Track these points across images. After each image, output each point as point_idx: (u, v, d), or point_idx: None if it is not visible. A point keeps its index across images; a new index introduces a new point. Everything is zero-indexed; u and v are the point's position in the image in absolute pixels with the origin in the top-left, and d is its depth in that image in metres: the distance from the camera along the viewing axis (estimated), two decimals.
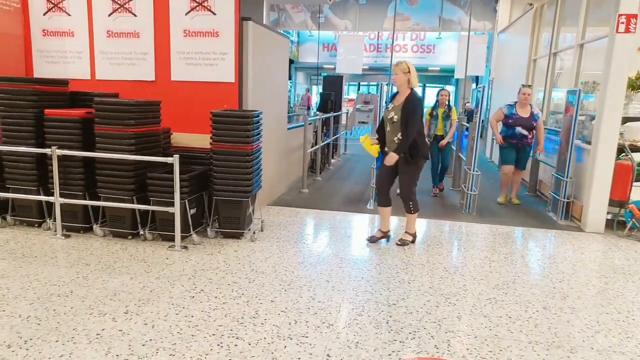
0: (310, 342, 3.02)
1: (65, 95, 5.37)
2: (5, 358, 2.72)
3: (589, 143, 5.91)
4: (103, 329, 3.09)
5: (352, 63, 13.69)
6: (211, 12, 5.53)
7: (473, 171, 6.38)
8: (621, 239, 5.57)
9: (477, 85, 19.29)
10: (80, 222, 5.04)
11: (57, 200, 4.85)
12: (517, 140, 6.85)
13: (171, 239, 4.71)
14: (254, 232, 5.12)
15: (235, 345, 2.95)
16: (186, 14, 5.59)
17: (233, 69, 5.54)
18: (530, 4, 10.25)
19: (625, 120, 5.80)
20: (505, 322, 3.38)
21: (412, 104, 4.65)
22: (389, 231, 5.11)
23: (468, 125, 7.27)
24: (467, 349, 3.00)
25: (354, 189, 7.96)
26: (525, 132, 6.79)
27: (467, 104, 18.15)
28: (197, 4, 5.54)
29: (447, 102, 7.21)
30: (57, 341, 2.93)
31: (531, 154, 7.25)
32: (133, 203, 4.80)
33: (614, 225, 5.82)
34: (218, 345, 2.95)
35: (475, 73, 13.83)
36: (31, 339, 2.93)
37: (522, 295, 3.88)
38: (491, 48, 14.85)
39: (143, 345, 2.92)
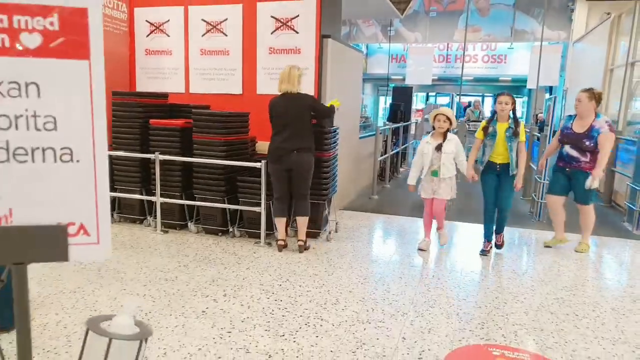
0: (387, 326, 3.37)
1: (165, 107, 6.07)
2: None
3: None
4: (207, 307, 3.60)
5: (421, 74, 13.91)
6: (294, 30, 6.06)
7: (544, 180, 6.46)
8: None
9: (551, 94, 18.80)
10: (176, 219, 5.69)
11: (158, 199, 5.51)
12: (564, 163, 5.15)
13: (257, 236, 5.22)
14: (329, 232, 5.53)
15: (321, 325, 3.36)
16: (271, 33, 6.15)
17: (313, 83, 6.02)
18: (608, 13, 10.07)
19: None
20: (571, 319, 3.56)
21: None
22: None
23: (539, 135, 7.32)
24: (534, 339, 3.23)
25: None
26: (574, 153, 5.02)
27: (539, 115, 17.73)
28: (281, 24, 6.09)
29: (510, 114, 4.76)
30: (170, 315, 3.46)
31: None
32: (224, 203, 5.37)
33: None
34: (306, 324, 3.37)
35: (549, 83, 13.60)
36: (150, 312, 3.49)
37: (590, 297, 4.02)
38: (566, 58, 14.54)
39: (242, 321, 3.39)
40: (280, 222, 5.02)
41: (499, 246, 5.18)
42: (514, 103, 4.79)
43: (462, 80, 12.76)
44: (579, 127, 5.00)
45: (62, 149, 0.79)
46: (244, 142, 5.61)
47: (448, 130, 4.94)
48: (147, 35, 6.78)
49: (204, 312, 3.53)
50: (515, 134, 4.74)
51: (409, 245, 5.39)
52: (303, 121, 4.84)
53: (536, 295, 4.03)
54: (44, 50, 0.75)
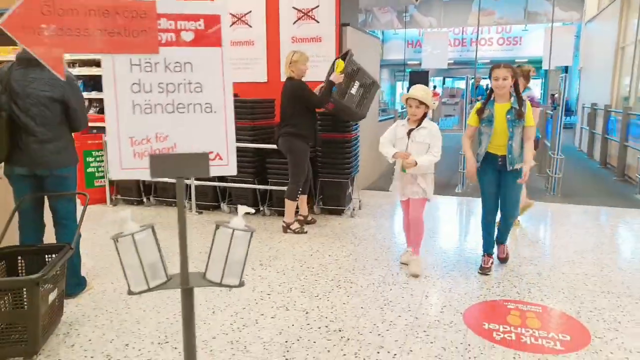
0: (411, 287, 3.73)
1: None
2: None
3: None
4: (246, 275, 3.98)
5: (437, 58, 14.09)
6: (315, 20, 6.38)
7: (557, 155, 6.73)
8: None
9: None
10: (209, 200, 6.10)
11: (192, 182, 5.93)
12: None
13: (283, 213, 5.60)
14: (353, 209, 5.89)
15: (351, 287, 3.74)
16: (293, 23, 6.48)
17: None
18: None
19: None
20: (581, 278, 3.89)
21: None
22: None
23: (551, 113, 7.55)
24: (545, 295, 3.57)
25: (441, 175, 8.50)
26: None
27: (555, 95, 17.81)
28: (303, 14, 6.41)
29: (512, 91, 3.77)
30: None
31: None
32: (254, 184, 5.76)
33: None
34: (337, 286, 3.75)
35: (563, 63, 13.69)
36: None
37: (599, 259, 4.33)
38: (580, 38, 14.60)
39: (279, 285, 3.78)
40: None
41: (503, 260, 4.16)
42: (515, 76, 3.69)
43: (478, 62, 12.94)
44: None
45: (205, 104, 1.16)
46: (271, 127, 5.97)
47: (424, 116, 3.88)
48: None
49: (245, 277, 3.92)
50: (519, 116, 3.65)
51: (429, 221, 5.72)
52: (288, 107, 5.08)
53: (549, 258, 4.36)
54: (195, 42, 1.10)
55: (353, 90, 5.29)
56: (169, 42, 1.05)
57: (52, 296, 2.82)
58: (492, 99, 3.83)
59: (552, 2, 16.04)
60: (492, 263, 4.04)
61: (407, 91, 3.99)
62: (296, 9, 6.41)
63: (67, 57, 6.81)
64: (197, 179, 5.89)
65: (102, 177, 6.43)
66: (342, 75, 4.96)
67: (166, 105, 1.07)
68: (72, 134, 3.50)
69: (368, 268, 4.14)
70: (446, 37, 15.00)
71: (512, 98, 3.76)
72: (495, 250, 4.14)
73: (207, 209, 6.10)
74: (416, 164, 3.72)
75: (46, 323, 2.77)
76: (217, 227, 1.14)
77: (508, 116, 3.71)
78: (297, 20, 6.47)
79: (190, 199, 6.03)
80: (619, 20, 9.84)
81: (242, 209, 1.18)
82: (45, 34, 0.88)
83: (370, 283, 3.82)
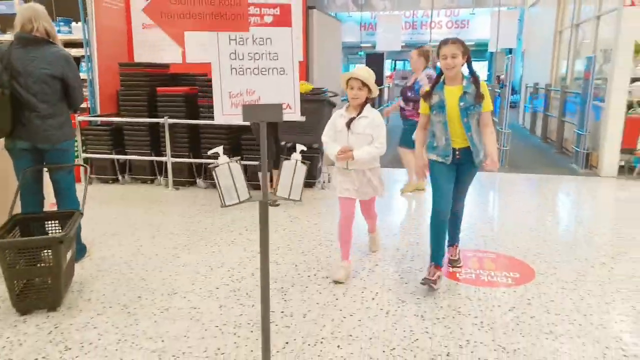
0: (384, 242, 4.22)
1: (167, 76, 6.68)
2: (175, 254, 4.03)
3: (603, 101, 6.86)
4: (235, 239, 4.38)
5: (390, 41, 14.62)
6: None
7: (505, 129, 7.41)
8: (630, 180, 6.58)
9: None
10: (186, 177, 6.38)
11: (169, 159, 6.19)
12: (401, 113, 5.82)
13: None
14: (323, 182, 6.34)
15: (331, 244, 4.20)
16: None
17: (301, 50, 6.70)
18: None
19: (634, 80, 6.71)
20: (527, 231, 4.52)
21: None
22: None
23: (499, 91, 8.24)
24: (498, 245, 4.16)
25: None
26: (402, 104, 5.71)
27: (501, 76, 18.87)
28: None
29: (464, 72, 3.24)
30: (206, 245, 4.23)
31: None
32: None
33: (625, 170, 6.79)
34: (319, 245, 4.20)
35: (508, 46, 14.56)
36: (187, 245, 4.25)
37: (542, 216, 5.00)
38: (523, 22, 15.51)
39: None
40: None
41: (454, 262, 3.69)
42: (467, 53, 3.12)
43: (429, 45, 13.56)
44: (410, 81, 5.66)
45: (280, 68, 1.54)
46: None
47: (367, 101, 3.35)
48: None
49: (233, 241, 4.31)
50: (478, 99, 3.10)
51: (390, 189, 6.26)
52: None
53: (500, 217, 4.99)
54: (273, 23, 1.49)
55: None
56: (256, 24, 1.42)
57: (68, 255, 3.12)
58: (441, 80, 3.21)
59: None
60: (439, 277, 3.29)
61: None
62: None
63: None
64: (173, 156, 6.15)
65: (77, 157, 6.56)
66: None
67: (253, 69, 1.45)
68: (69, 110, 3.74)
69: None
70: (399, 20, 15.55)
71: (465, 80, 3.14)
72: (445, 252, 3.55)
73: (183, 185, 6.38)
74: (353, 158, 3.24)
75: (65, 279, 3.07)
76: (284, 159, 1.53)
77: (461, 103, 3.10)
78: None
79: (166, 175, 6.29)
80: (557, 5, 10.66)
81: (300, 147, 1.55)
82: (173, 17, 1.23)
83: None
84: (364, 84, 3.25)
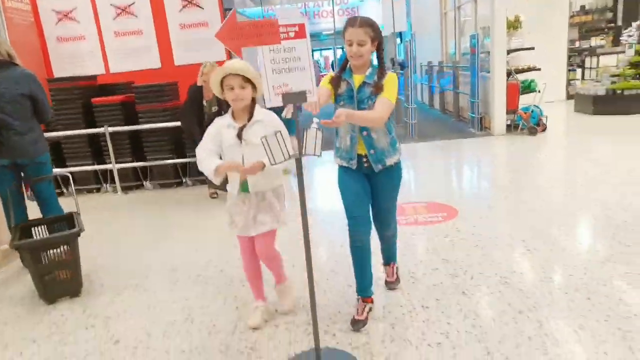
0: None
1: (96, 87, 6.91)
2: (162, 240, 4.50)
3: (489, 72, 8.15)
4: (215, 217, 4.92)
5: None
6: (199, 7, 7.16)
7: (412, 105, 8.48)
8: (516, 135, 7.97)
9: (401, 40, 21.49)
10: (132, 181, 6.70)
11: (114, 166, 6.49)
12: None
13: (205, 182, 6.48)
14: None
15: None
16: (179, 11, 7.19)
17: (224, 51, 7.22)
18: None
19: (510, 52, 8.05)
20: (444, 183, 5.52)
21: None
22: None
23: (402, 72, 9.31)
24: (424, 196, 5.10)
25: None
26: None
27: (394, 58, 20.34)
28: (187, 2, 7.15)
29: (372, 60, 2.69)
30: (183, 233, 4.73)
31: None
32: (174, 159, 6.52)
33: (512, 127, 8.16)
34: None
35: (399, 29, 15.89)
36: (165, 226, 4.72)
37: (454, 171, 6.05)
38: (410, 6, 16.95)
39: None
40: None
41: (390, 284, 3.16)
42: (377, 39, 2.54)
43: (321, 34, 14.43)
44: None
45: (301, 67, 2.16)
46: (177, 107, 6.72)
47: (254, 102, 2.61)
48: (57, 24, 7.36)
49: (206, 227, 4.85)
50: (376, 90, 2.53)
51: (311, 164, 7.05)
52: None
53: (420, 178, 5.97)
54: (295, 37, 2.05)
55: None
56: (284, 38, 2.05)
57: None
58: (348, 67, 2.64)
59: None
60: (369, 311, 2.81)
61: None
62: None
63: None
64: (117, 162, 6.45)
65: None
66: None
67: (285, 69, 2.07)
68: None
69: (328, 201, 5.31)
70: (298, 13, 16.34)
71: (370, 69, 2.61)
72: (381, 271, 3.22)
73: (130, 189, 6.70)
74: (264, 166, 2.43)
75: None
76: (305, 129, 2.07)
77: (358, 95, 2.57)
78: (182, 8, 7.19)
79: (113, 182, 6.57)
80: None
81: (315, 120, 2.12)
82: (235, 38, 1.84)
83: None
84: (246, 80, 2.49)
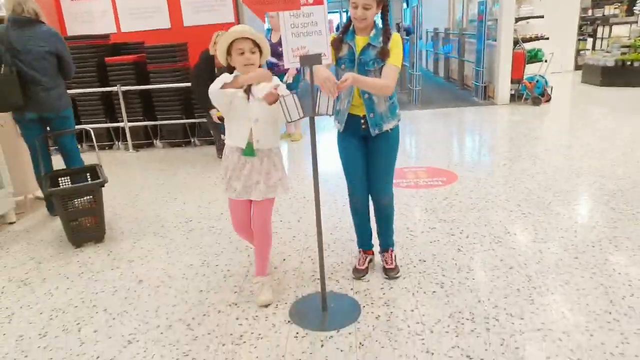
0: None
1: (108, 46, 7.02)
2: (172, 197, 4.74)
3: (495, 40, 8.21)
4: (214, 182, 5.15)
5: None
6: None
7: (416, 72, 8.58)
8: (520, 105, 8.10)
9: (407, 5, 21.21)
10: (142, 139, 6.91)
11: (126, 124, 6.68)
12: (270, 70, 6.18)
13: (212, 142, 6.64)
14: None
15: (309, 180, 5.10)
16: None
17: (232, 12, 7.28)
18: None
19: (518, 20, 8.10)
20: (445, 149, 5.73)
21: None
22: None
23: (407, 38, 9.34)
24: (425, 161, 5.31)
25: None
26: (273, 59, 6.07)
27: (400, 23, 20.18)
28: None
29: (377, 21, 2.66)
30: (193, 189, 4.96)
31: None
32: (183, 119, 6.70)
33: (516, 97, 8.29)
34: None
35: None
36: (177, 190, 4.96)
37: (456, 137, 6.24)
38: None
39: None
40: None
41: (389, 271, 2.98)
42: (382, 2, 2.56)
43: None
44: (274, 38, 6.19)
45: (318, 30, 2.28)
46: (188, 68, 6.85)
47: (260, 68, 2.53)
48: None
49: (215, 184, 5.08)
50: (382, 55, 2.55)
51: None
52: None
53: (422, 143, 6.16)
54: (313, 3, 2.15)
55: None
56: (303, 4, 2.21)
57: None
58: (351, 29, 2.65)
59: None
60: (370, 261, 3.07)
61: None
62: None
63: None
64: (129, 121, 6.64)
65: None
66: None
67: (303, 32, 2.25)
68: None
69: (333, 163, 5.53)
70: None
71: (374, 31, 2.60)
72: (377, 253, 3.16)
73: (141, 147, 6.91)
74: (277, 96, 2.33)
75: None
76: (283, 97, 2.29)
77: (362, 56, 2.59)
78: None
79: (125, 139, 6.78)
80: None
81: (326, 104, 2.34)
82: (259, 4, 2.04)
83: (332, 172, 5.23)
84: (255, 45, 2.44)
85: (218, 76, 2.45)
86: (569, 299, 2.61)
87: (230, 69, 2.52)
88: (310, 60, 2.20)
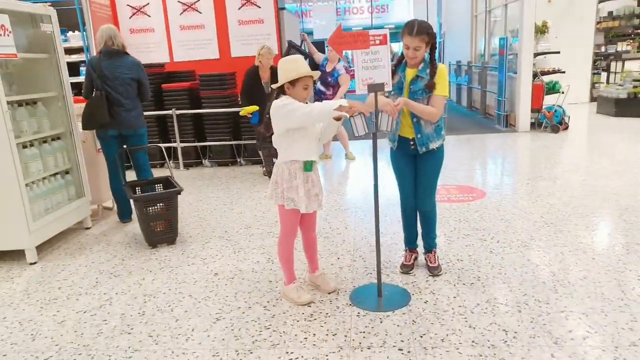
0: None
1: (164, 74, 7.77)
2: (229, 207, 5.32)
3: (516, 72, 8.81)
4: (259, 192, 5.73)
5: (325, 28, 16.11)
6: (257, 6, 7.96)
7: None
8: (539, 132, 8.64)
9: None
10: (192, 159, 7.57)
11: (178, 144, 7.35)
12: (317, 97, 6.92)
13: (259, 162, 7.26)
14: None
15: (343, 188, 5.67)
16: (239, 9, 8.00)
17: (276, 44, 8.01)
18: None
19: (536, 54, 8.70)
20: (472, 169, 6.24)
21: None
22: None
23: None
24: (455, 181, 5.83)
25: None
26: (322, 88, 7.00)
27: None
28: (246, 1, 7.95)
29: (426, 56, 3.06)
30: (245, 200, 5.55)
31: None
32: (231, 141, 7.35)
33: (535, 125, 8.83)
34: (331, 193, 5.65)
35: None
36: (231, 201, 5.56)
37: (479, 161, 6.76)
38: (441, 4, 17.55)
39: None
40: None
41: (434, 269, 3.43)
42: (430, 42, 2.99)
43: (353, 29, 15.14)
44: (329, 68, 6.95)
45: (382, 65, 2.79)
46: (235, 95, 7.54)
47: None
48: (130, 17, 8.25)
49: (264, 196, 5.66)
50: (428, 87, 3.01)
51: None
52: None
53: (451, 164, 6.70)
54: (379, 43, 2.70)
55: None
56: (372, 44, 2.80)
57: None
58: (404, 62, 3.11)
59: None
60: (415, 259, 3.57)
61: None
62: None
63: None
64: (181, 141, 7.32)
65: None
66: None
67: (371, 66, 2.84)
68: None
69: (354, 183, 6.10)
70: (333, 10, 17.05)
71: (422, 64, 3.03)
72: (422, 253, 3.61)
73: (191, 166, 7.57)
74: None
75: None
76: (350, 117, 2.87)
77: (411, 86, 3.03)
78: (241, 6, 7.99)
79: (176, 158, 7.44)
80: None
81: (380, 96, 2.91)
82: (340, 44, 2.63)
83: (355, 189, 5.79)
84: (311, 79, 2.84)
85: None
86: (587, 290, 3.09)
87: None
88: (375, 88, 2.80)
